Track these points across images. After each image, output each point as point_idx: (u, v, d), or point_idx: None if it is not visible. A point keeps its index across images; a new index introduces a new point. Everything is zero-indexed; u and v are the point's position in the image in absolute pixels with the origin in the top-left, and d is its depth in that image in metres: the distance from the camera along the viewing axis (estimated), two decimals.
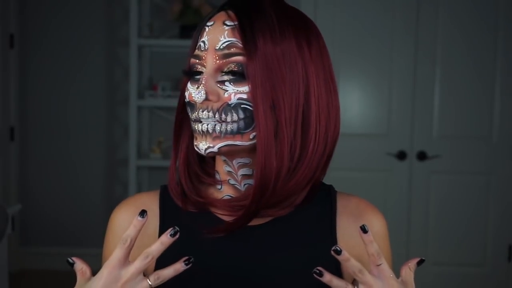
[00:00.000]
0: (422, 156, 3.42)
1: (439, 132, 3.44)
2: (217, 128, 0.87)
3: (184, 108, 0.93)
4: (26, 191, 4.05)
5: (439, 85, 3.42)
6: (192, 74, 0.90)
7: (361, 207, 0.97)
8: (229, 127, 0.86)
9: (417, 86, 3.42)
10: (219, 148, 0.87)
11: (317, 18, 3.43)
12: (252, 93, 0.85)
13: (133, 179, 3.61)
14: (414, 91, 3.42)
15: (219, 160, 0.94)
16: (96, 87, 4.02)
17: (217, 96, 0.86)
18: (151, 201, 0.97)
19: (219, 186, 0.95)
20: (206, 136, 0.87)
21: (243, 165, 0.92)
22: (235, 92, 0.86)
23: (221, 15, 0.89)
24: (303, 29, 0.89)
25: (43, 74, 4.02)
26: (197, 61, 0.89)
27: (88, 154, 4.06)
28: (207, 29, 0.89)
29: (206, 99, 0.86)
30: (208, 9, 3.48)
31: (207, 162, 0.98)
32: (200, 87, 0.86)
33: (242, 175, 0.92)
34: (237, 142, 0.87)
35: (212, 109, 0.86)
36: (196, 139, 0.89)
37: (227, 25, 0.88)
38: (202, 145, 0.88)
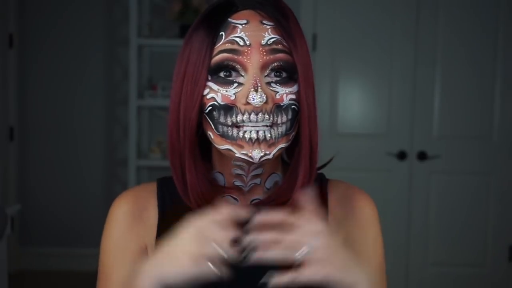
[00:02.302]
0: (422, 156, 3.42)
1: (439, 132, 3.43)
2: (272, 133, 0.86)
3: (199, 113, 0.89)
4: (25, 191, 4.04)
5: (439, 85, 3.42)
6: (221, 71, 0.86)
7: (350, 193, 0.99)
8: (279, 130, 0.86)
9: (417, 86, 3.42)
10: (274, 154, 0.87)
11: (317, 18, 3.43)
12: (303, 91, 0.87)
13: (133, 179, 3.61)
14: (414, 91, 3.42)
15: (227, 163, 0.92)
16: (95, 87, 4.01)
17: (272, 99, 0.86)
18: (149, 193, 0.99)
19: (221, 184, 0.95)
20: (259, 144, 0.85)
21: (259, 165, 0.91)
22: (286, 93, 0.86)
23: (253, 14, 0.87)
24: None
25: (42, 73, 4.01)
26: (235, 56, 0.85)
27: (87, 154, 4.05)
28: (240, 26, 0.86)
29: (266, 102, 0.84)
30: None
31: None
32: (259, 90, 0.83)
33: (253, 175, 0.92)
34: (284, 144, 0.88)
35: (266, 111, 0.85)
36: (242, 147, 0.86)
37: (266, 24, 0.87)
38: (256, 153, 0.85)
